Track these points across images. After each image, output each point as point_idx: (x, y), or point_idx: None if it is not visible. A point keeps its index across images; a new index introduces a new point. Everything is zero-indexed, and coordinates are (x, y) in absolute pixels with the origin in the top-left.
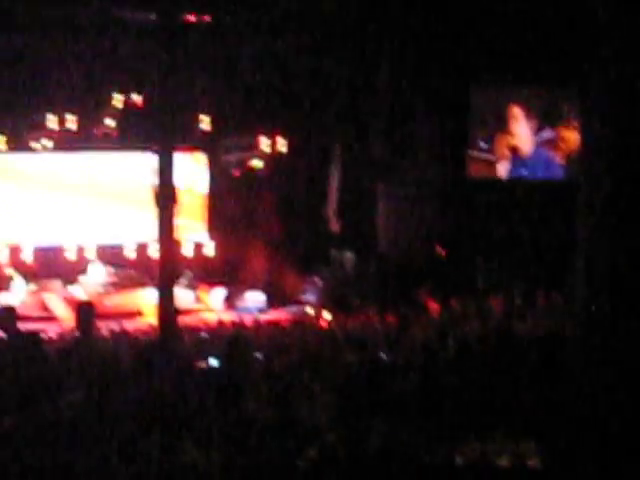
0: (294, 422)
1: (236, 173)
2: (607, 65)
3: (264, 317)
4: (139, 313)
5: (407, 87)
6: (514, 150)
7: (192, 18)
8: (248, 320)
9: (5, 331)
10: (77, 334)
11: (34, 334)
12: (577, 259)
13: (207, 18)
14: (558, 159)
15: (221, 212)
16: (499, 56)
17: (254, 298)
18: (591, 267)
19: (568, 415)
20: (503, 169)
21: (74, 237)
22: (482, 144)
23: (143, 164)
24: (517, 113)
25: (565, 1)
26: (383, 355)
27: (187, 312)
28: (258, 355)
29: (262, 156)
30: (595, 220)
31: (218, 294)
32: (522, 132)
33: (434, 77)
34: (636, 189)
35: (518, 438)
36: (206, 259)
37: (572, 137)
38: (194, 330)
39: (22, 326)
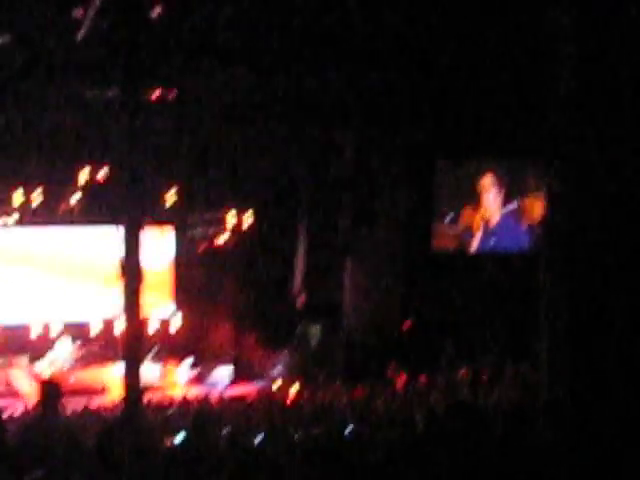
0: None
1: (203, 247)
2: (565, 141)
3: (231, 392)
4: (105, 389)
5: (373, 162)
6: (480, 222)
7: (157, 93)
8: (215, 395)
9: None
10: (41, 411)
11: None
12: (540, 328)
13: (172, 94)
14: (524, 230)
15: (188, 287)
16: (464, 130)
17: (221, 373)
18: (553, 335)
19: None
20: (469, 241)
21: (41, 313)
22: (448, 216)
23: (109, 239)
24: (484, 185)
25: (527, 76)
26: (350, 429)
27: (154, 388)
28: (225, 431)
29: (229, 231)
30: (555, 286)
31: (185, 369)
32: (489, 204)
33: (400, 152)
34: (596, 261)
35: None
36: (173, 334)
37: (538, 208)
38: (161, 406)
39: None
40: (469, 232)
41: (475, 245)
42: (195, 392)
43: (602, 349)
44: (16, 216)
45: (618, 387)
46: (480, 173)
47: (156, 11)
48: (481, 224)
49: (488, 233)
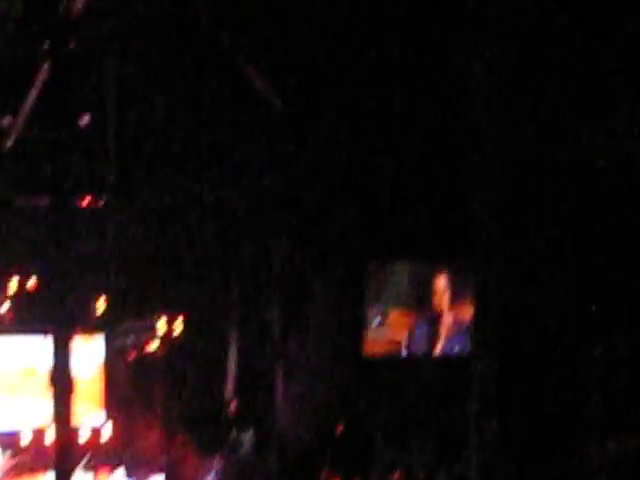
0: None
1: (133, 355)
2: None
3: None
4: None
5: (303, 270)
6: (412, 327)
7: (85, 202)
8: None
9: None
10: None
11: None
12: (470, 431)
13: (100, 202)
14: (457, 334)
15: (118, 394)
16: (394, 235)
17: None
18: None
19: None
20: (401, 346)
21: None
22: (378, 321)
23: (38, 348)
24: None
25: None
26: None
27: None
28: None
29: (159, 338)
30: (484, 394)
31: (118, 478)
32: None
33: (329, 258)
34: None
35: None
36: (104, 443)
37: (469, 312)
38: None
39: None
40: (401, 337)
41: (406, 349)
42: None
43: (530, 455)
44: None
45: None
46: (410, 277)
47: (84, 120)
48: (411, 329)
49: (420, 337)
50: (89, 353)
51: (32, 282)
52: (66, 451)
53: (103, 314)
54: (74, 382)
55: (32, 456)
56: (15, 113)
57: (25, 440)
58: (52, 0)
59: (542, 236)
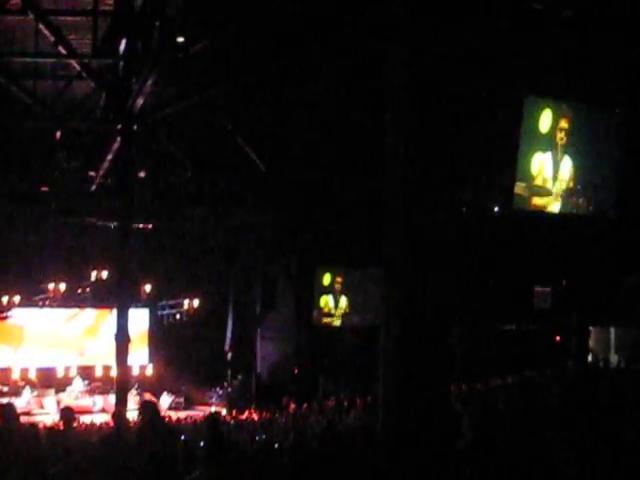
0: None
1: (167, 322)
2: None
3: (183, 414)
4: (105, 411)
5: (274, 270)
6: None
7: (140, 225)
8: (173, 416)
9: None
10: (61, 426)
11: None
12: (380, 374)
13: (150, 225)
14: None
15: (157, 346)
16: (332, 247)
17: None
18: (385, 384)
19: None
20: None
21: (62, 360)
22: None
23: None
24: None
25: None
26: (259, 436)
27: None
28: (182, 438)
29: (185, 311)
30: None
31: (164, 399)
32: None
33: (292, 263)
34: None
35: None
36: (148, 376)
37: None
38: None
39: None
40: (329, 319)
41: (338, 322)
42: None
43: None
44: (47, 300)
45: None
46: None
47: (142, 173)
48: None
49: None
50: (139, 320)
51: (105, 274)
52: (123, 380)
53: (148, 295)
54: (129, 338)
55: (102, 383)
56: (96, 169)
57: (98, 372)
58: (124, 95)
59: None
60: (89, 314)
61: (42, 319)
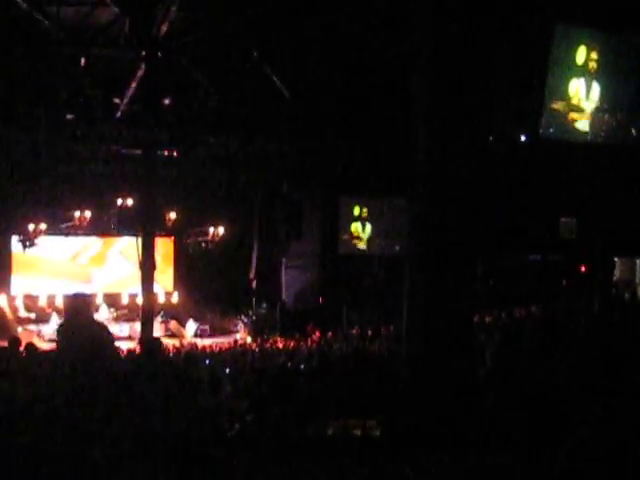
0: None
1: (192, 250)
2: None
3: (210, 341)
4: (130, 338)
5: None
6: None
7: (165, 152)
8: (200, 343)
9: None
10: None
11: None
12: (405, 304)
13: (175, 153)
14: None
15: (182, 274)
16: (354, 178)
17: (202, 328)
18: (411, 314)
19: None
20: (360, 247)
21: (89, 289)
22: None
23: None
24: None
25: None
26: (285, 362)
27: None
28: (207, 363)
29: (210, 239)
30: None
31: (191, 326)
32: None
33: (317, 192)
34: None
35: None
36: (173, 304)
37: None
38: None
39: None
40: (357, 241)
41: (364, 246)
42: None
43: (443, 321)
44: (73, 228)
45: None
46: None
47: (167, 100)
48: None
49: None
50: (164, 248)
51: (131, 201)
52: (149, 308)
53: (174, 223)
54: (155, 266)
55: (128, 310)
56: (121, 96)
57: (125, 300)
58: (148, 22)
59: None
60: (95, 243)
61: (55, 249)
